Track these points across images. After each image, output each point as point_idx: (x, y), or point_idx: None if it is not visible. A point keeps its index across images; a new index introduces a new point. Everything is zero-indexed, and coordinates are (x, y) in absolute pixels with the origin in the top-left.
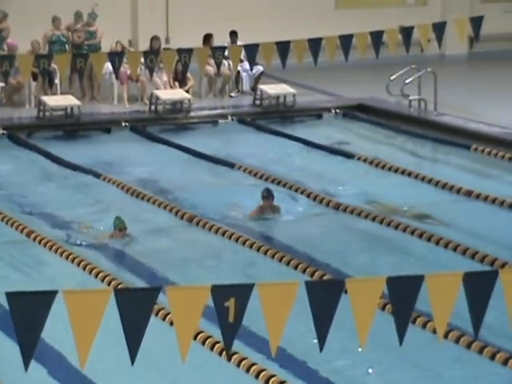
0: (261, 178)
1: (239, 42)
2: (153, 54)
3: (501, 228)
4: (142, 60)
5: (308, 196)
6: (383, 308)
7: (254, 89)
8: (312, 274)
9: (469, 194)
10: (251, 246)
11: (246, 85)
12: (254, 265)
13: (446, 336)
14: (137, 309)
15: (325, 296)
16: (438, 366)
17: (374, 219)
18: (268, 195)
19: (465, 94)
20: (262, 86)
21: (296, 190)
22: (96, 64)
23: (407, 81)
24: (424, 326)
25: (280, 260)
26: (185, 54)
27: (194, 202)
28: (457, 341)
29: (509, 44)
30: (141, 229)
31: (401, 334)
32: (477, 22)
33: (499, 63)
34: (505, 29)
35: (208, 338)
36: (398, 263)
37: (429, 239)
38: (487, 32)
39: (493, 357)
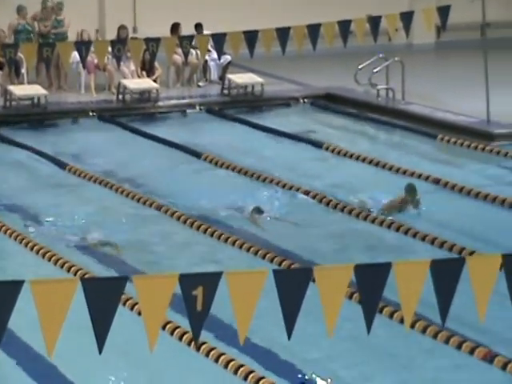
0: (228, 167)
1: (207, 32)
2: (120, 44)
3: (468, 216)
4: (110, 49)
5: (277, 185)
6: (350, 297)
7: (221, 78)
8: (280, 264)
9: (436, 182)
10: (219, 237)
11: (213, 74)
12: (222, 255)
13: (413, 326)
14: (104, 298)
15: (293, 284)
16: (406, 355)
17: (342, 210)
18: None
19: (432, 83)
20: (229, 76)
21: (264, 180)
22: (63, 53)
23: (375, 70)
24: (391, 315)
25: (248, 250)
26: (152, 43)
27: (162, 191)
28: (424, 330)
29: (475, 33)
30: (107, 217)
31: (368, 323)
32: (444, 11)
33: (466, 52)
34: (471, 18)
35: (176, 328)
36: (368, 253)
37: (397, 229)
38: (454, 21)
39: (459, 346)
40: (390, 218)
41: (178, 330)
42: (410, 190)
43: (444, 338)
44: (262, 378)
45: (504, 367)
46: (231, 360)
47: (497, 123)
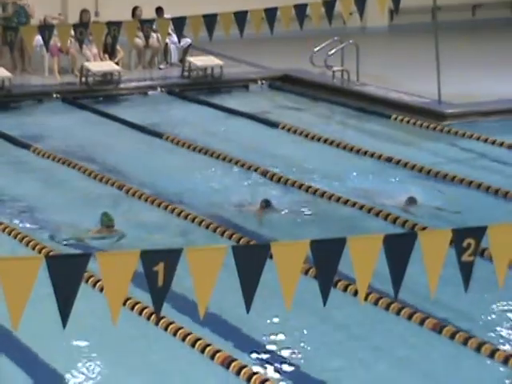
0: (188, 147)
1: (167, 15)
2: (82, 27)
3: (420, 193)
4: (72, 33)
5: (235, 164)
6: (306, 272)
7: (182, 61)
8: (238, 240)
9: (389, 160)
10: (179, 214)
11: (174, 57)
12: (183, 232)
13: (366, 298)
14: (68, 275)
15: (251, 260)
16: (360, 327)
17: (300, 187)
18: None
19: (386, 64)
20: (189, 58)
21: (224, 159)
22: (26, 37)
23: (330, 52)
24: (345, 288)
25: (207, 227)
26: (114, 26)
27: (125, 170)
28: (376, 302)
29: (427, 16)
30: (71, 198)
31: (324, 295)
32: None
33: (418, 35)
34: (423, 2)
35: (137, 303)
36: (323, 230)
37: (353, 205)
38: (406, 5)
39: (410, 317)
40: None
41: (138, 305)
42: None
43: (396, 310)
44: (219, 350)
45: (452, 337)
46: (189, 333)
47: (448, 103)
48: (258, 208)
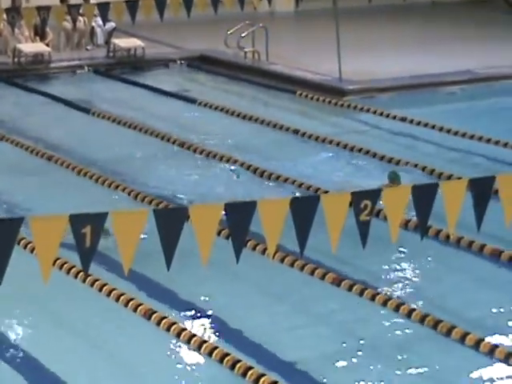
0: (113, 121)
1: (93, 1)
2: (14, 11)
3: (322, 162)
4: (5, 17)
5: (156, 137)
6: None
7: (107, 42)
8: (158, 204)
9: (296, 132)
10: (103, 182)
11: (99, 39)
12: (109, 199)
13: (274, 255)
14: (1, 238)
15: (171, 222)
16: (276, 287)
17: (214, 157)
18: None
19: (292, 46)
20: (114, 40)
21: (146, 132)
22: None
23: (242, 35)
24: (254, 248)
25: (129, 194)
26: (43, 11)
27: (55, 143)
28: (282, 260)
29: (328, 2)
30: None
31: (237, 254)
32: None
33: (321, 19)
34: None
35: (65, 263)
36: (233, 196)
37: (261, 175)
38: None
39: (323, 277)
40: None
41: (66, 265)
42: (394, 177)
43: (300, 266)
44: (141, 304)
45: (350, 288)
46: (113, 289)
47: (348, 80)
48: None
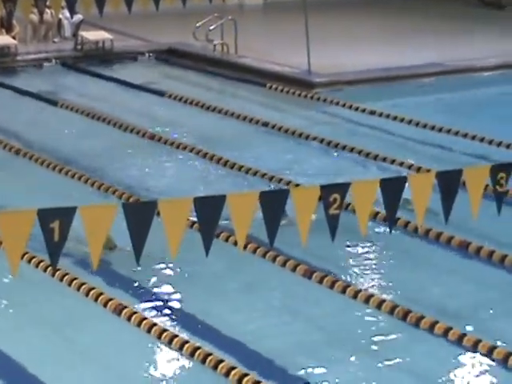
0: (81, 114)
1: None
2: None
3: (292, 153)
4: None
5: (124, 129)
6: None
7: (74, 35)
8: (129, 198)
9: (265, 125)
10: (73, 175)
11: (67, 31)
12: (77, 192)
13: (245, 247)
14: None
15: (140, 216)
16: (247, 278)
17: (184, 149)
18: None
19: (261, 39)
20: (82, 33)
21: (114, 125)
22: None
23: (211, 27)
24: (227, 239)
25: (92, 185)
26: (10, 3)
27: (22, 135)
28: (254, 251)
29: None
30: None
31: (207, 247)
32: None
33: (290, 12)
34: None
35: (33, 257)
36: (208, 189)
37: (232, 167)
38: None
39: (294, 269)
40: None
41: (35, 259)
42: None
43: (272, 257)
44: (112, 299)
45: (321, 281)
46: (83, 283)
47: (316, 73)
48: None
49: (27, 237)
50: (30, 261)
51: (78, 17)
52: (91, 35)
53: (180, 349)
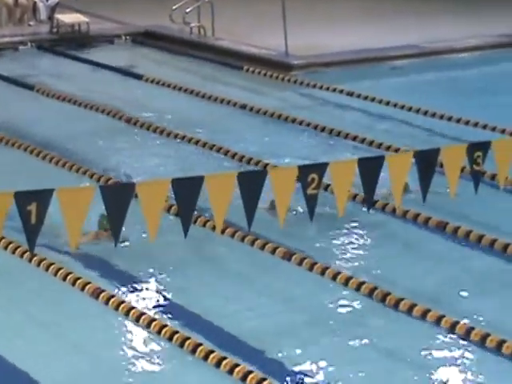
0: (58, 98)
1: None
2: None
3: (270, 135)
4: None
5: (102, 112)
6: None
7: (50, 18)
8: (107, 181)
9: (243, 107)
10: (51, 159)
11: (42, 14)
12: (50, 175)
13: (223, 231)
14: None
15: (118, 198)
16: (222, 257)
17: (161, 133)
18: None
19: (238, 21)
20: (57, 16)
21: (91, 108)
22: None
23: (188, 10)
24: (205, 224)
25: (70, 168)
26: None
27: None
28: (233, 235)
29: None
30: None
31: (185, 229)
32: None
33: None
34: None
35: (11, 242)
36: (185, 170)
37: (211, 148)
38: None
39: (263, 247)
40: None
41: (12, 245)
42: None
43: (250, 240)
44: (89, 282)
45: (300, 263)
46: (60, 268)
47: (294, 55)
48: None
49: (3, 219)
50: (6, 247)
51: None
52: (67, 18)
53: (158, 332)
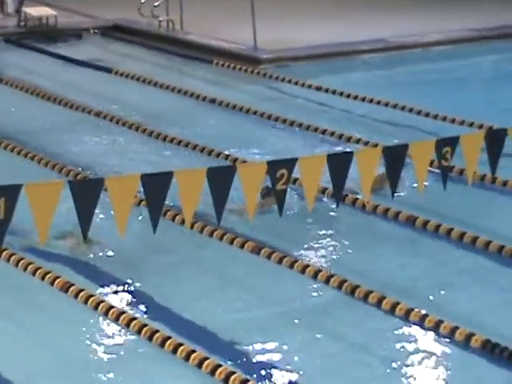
0: (26, 91)
1: None
2: None
3: (238, 129)
4: None
5: (70, 107)
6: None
7: (18, 11)
8: (76, 176)
9: (212, 101)
10: (19, 153)
11: (10, 7)
12: (21, 170)
13: (192, 226)
14: None
15: (86, 193)
16: (186, 252)
17: (130, 127)
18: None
19: (207, 15)
20: (25, 9)
21: (59, 102)
22: None
23: (156, 4)
24: (173, 218)
25: (39, 162)
26: None
27: None
28: (201, 230)
29: None
30: None
31: (154, 224)
32: None
33: None
34: None
35: None
36: (155, 167)
37: (179, 143)
38: None
39: (232, 242)
40: None
41: None
42: None
43: (220, 235)
44: (59, 277)
45: (269, 256)
46: (30, 263)
47: (263, 49)
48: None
49: None
50: None
51: None
52: (35, 11)
53: (127, 326)
